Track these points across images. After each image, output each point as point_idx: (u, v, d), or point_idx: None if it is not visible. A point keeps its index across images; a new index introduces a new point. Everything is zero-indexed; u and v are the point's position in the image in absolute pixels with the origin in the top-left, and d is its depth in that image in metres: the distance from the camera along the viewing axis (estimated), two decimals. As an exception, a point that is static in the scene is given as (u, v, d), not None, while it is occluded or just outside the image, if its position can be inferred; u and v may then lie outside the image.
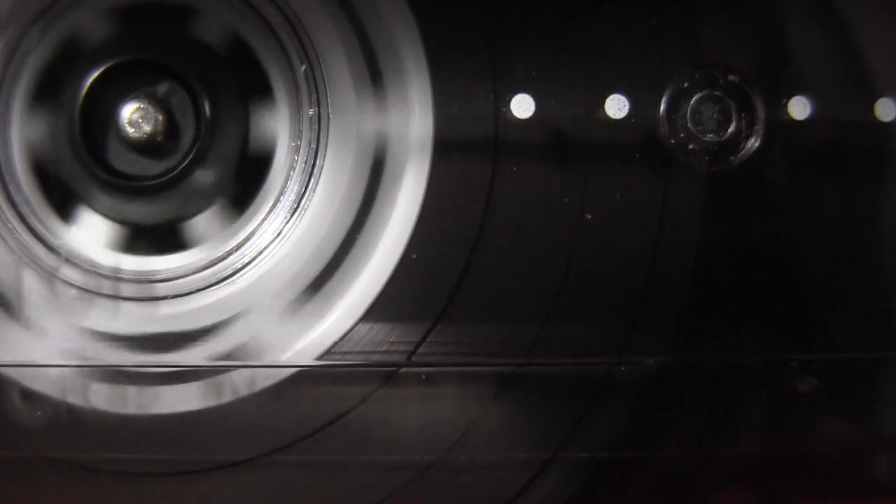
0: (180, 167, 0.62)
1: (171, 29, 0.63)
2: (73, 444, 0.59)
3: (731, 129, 0.61)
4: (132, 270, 0.62)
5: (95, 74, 0.62)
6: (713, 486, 0.61)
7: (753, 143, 0.61)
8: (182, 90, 0.63)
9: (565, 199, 0.61)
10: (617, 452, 0.61)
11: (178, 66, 0.62)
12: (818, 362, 0.61)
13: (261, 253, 0.62)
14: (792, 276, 0.62)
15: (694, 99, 0.61)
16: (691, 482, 0.61)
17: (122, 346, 0.61)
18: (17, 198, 0.62)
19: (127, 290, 0.61)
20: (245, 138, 0.63)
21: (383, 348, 0.61)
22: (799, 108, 0.61)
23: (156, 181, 0.62)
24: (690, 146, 0.61)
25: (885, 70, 0.62)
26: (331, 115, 0.62)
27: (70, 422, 0.59)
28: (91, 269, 0.62)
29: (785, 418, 0.62)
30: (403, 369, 0.61)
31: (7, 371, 0.59)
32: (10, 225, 0.61)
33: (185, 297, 0.62)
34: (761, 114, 0.61)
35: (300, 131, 0.62)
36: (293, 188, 0.62)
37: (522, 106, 0.61)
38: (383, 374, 0.60)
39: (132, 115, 0.62)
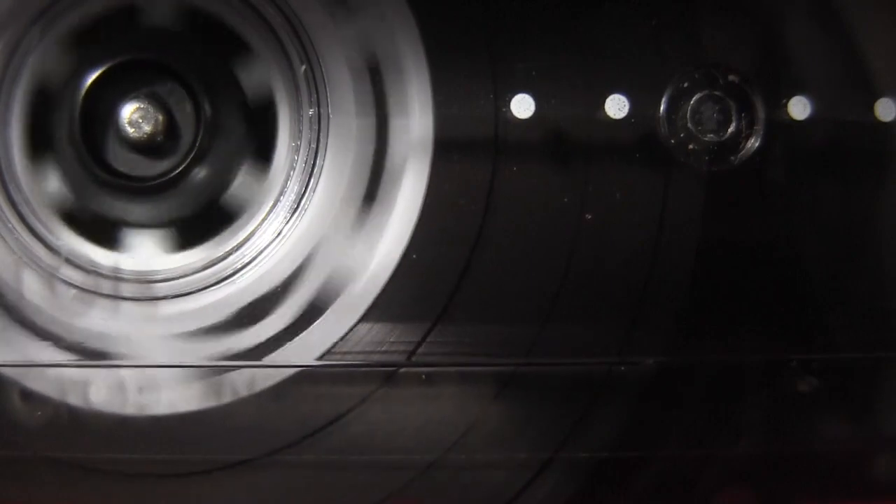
0: (180, 167, 0.62)
1: (171, 29, 0.63)
2: (73, 445, 0.59)
3: (731, 129, 0.61)
4: (132, 270, 0.62)
5: (95, 74, 0.62)
6: (713, 486, 0.61)
7: (753, 143, 0.61)
8: (182, 90, 0.63)
9: (565, 199, 0.61)
10: (617, 452, 0.61)
11: (178, 66, 0.62)
12: (818, 362, 0.61)
13: (261, 253, 0.62)
14: (792, 276, 0.62)
15: (694, 99, 0.61)
16: (691, 482, 0.61)
17: (121, 346, 0.61)
18: (17, 198, 0.62)
19: (127, 290, 0.61)
20: (245, 138, 0.63)
21: (383, 348, 0.61)
22: (799, 108, 0.61)
23: (156, 181, 0.62)
24: (690, 146, 0.61)
25: (885, 70, 0.62)
26: (331, 115, 0.61)
27: (70, 422, 0.59)
28: (91, 269, 0.62)
29: (785, 418, 0.62)
30: (403, 369, 0.61)
31: (7, 371, 0.59)
32: (10, 225, 0.61)
33: (186, 297, 0.62)
34: (761, 114, 0.61)
35: (300, 131, 0.62)
36: (293, 188, 0.62)
37: (522, 106, 0.61)
38: (383, 375, 0.60)
39: (132, 115, 0.62)
